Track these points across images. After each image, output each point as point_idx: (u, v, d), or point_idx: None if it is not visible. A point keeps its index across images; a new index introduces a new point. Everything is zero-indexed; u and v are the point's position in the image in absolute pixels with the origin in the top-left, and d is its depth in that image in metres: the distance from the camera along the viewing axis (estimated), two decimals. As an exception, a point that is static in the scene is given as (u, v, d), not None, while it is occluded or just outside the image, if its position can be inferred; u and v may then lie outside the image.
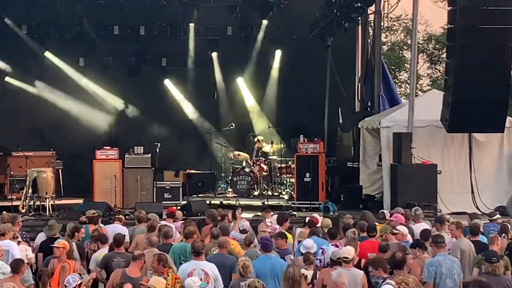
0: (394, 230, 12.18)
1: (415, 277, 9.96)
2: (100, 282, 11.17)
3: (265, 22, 24.08)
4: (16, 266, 10.01)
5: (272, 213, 14.59)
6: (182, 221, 13.88)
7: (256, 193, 21.73)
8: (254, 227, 13.53)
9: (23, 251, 11.87)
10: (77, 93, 24.26)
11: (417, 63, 34.65)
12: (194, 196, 21.54)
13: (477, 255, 11.42)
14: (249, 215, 17.75)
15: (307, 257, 10.68)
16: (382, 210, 15.49)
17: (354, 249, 10.67)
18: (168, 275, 9.86)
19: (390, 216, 13.98)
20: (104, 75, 24.24)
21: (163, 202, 19.75)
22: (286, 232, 12.38)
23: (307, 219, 13.70)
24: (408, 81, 29.11)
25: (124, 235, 12.12)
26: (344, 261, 10.24)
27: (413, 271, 10.48)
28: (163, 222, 13.66)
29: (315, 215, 14.15)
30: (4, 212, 15.32)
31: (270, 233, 12.60)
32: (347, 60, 24.35)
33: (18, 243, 12.22)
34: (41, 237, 12.94)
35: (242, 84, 25.26)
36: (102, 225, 13.65)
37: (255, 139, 22.81)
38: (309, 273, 10.45)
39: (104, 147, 20.88)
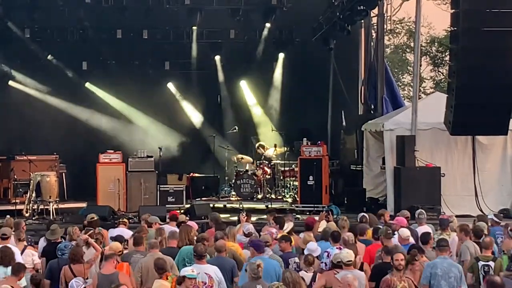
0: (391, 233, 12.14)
1: (409, 281, 9.95)
2: None
3: (268, 25, 24.05)
4: (18, 268, 10.00)
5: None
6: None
7: (259, 196, 21.75)
8: (257, 230, 13.50)
9: (29, 256, 11.88)
10: (80, 96, 24.26)
11: (420, 65, 34.46)
12: (197, 199, 21.57)
13: (470, 259, 11.38)
14: (253, 218, 17.69)
15: (306, 259, 10.57)
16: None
17: (353, 252, 10.59)
18: (167, 279, 9.84)
19: (393, 219, 13.95)
20: (107, 79, 24.23)
21: (167, 206, 19.78)
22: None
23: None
24: (411, 84, 29.15)
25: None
26: (347, 265, 10.17)
27: (412, 275, 10.42)
28: (166, 226, 13.68)
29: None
30: (8, 216, 15.33)
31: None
32: (350, 63, 24.38)
33: (25, 247, 12.23)
34: (43, 241, 12.93)
35: (245, 87, 25.25)
36: (101, 228, 13.64)
37: (256, 146, 22.79)
38: (309, 275, 10.36)
39: (108, 150, 20.90)
